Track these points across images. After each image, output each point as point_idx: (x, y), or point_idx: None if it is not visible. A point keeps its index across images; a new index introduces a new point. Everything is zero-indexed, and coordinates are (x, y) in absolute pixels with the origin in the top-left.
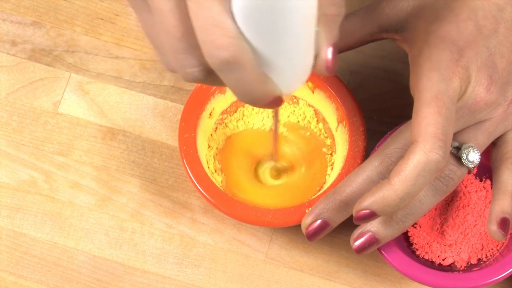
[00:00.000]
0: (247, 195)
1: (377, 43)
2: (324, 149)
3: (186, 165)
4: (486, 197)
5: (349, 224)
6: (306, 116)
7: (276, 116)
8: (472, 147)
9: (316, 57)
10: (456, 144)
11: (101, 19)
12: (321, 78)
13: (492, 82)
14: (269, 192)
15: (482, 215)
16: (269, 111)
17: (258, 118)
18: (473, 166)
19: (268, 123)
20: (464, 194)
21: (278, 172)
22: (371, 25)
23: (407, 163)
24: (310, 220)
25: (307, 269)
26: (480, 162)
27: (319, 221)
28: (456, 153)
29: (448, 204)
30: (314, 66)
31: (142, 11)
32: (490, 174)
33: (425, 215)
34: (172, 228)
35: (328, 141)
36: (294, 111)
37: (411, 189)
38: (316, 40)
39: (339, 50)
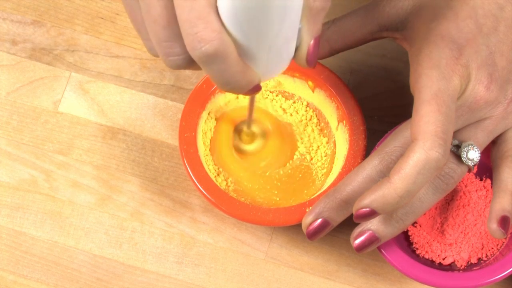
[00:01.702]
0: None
1: (377, 42)
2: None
3: (186, 164)
4: (486, 196)
5: (350, 223)
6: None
7: (251, 101)
8: (472, 145)
9: (297, 48)
10: (456, 142)
11: (102, 18)
12: (321, 77)
13: (492, 80)
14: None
15: (483, 214)
16: None
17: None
18: (473, 164)
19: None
20: (464, 193)
21: (251, 137)
22: (371, 24)
23: (407, 161)
24: (310, 219)
25: (307, 268)
26: (481, 161)
27: (319, 220)
28: (456, 151)
29: (448, 203)
30: (295, 57)
31: None
32: (490, 173)
33: (425, 214)
34: (172, 227)
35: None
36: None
37: (411, 188)
38: (298, 33)
39: (339, 49)
